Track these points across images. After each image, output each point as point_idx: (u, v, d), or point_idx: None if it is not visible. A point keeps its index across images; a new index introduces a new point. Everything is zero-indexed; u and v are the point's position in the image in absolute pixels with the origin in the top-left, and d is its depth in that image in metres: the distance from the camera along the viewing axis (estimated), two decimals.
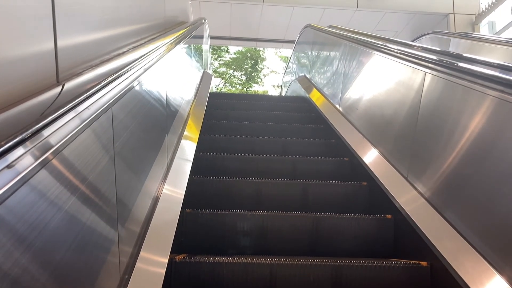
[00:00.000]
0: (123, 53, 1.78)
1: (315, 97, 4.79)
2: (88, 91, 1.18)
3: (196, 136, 3.17)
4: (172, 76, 2.72)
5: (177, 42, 2.93)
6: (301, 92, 5.51)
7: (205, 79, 5.21)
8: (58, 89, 1.17)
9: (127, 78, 1.49)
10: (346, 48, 3.93)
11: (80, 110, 1.03)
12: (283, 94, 8.39)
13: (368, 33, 3.47)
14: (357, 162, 2.95)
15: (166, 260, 1.67)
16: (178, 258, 1.83)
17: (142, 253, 1.54)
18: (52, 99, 1.12)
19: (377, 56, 3.04)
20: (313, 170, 3.15)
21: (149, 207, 1.78)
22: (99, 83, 1.26)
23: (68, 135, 0.97)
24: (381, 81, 2.97)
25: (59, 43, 1.17)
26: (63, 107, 0.94)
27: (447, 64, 1.96)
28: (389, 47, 2.73)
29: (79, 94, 1.05)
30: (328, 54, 4.88)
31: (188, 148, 2.82)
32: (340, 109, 3.82)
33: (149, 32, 2.55)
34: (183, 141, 2.77)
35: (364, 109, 3.22)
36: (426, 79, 2.20)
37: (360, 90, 3.45)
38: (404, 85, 2.51)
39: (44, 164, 0.85)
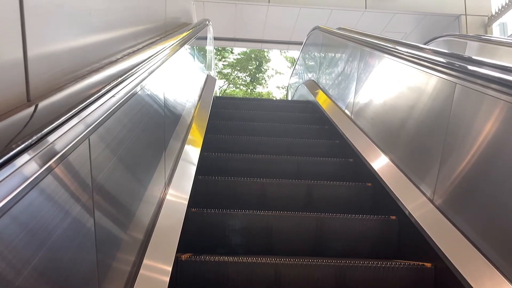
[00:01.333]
0: (116, 61, 1.57)
1: (321, 99, 4.77)
2: (70, 111, 0.96)
3: (200, 140, 3.13)
4: (174, 81, 2.53)
5: (181, 44, 2.75)
6: (309, 97, 5.40)
7: (209, 82, 5.00)
8: (29, 110, 0.95)
9: (119, 92, 1.27)
10: (360, 53, 3.69)
11: (49, 142, 0.81)
12: (289, 97, 8.19)
13: (392, 38, 3.16)
14: (365, 167, 2.84)
15: (170, 268, 1.61)
16: (184, 257, 1.84)
17: (145, 261, 1.50)
18: (21, 124, 0.90)
19: (403, 66, 2.73)
20: None
21: (152, 214, 1.72)
22: (89, 97, 1.05)
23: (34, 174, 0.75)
24: (404, 89, 2.72)
25: (29, 52, 0.95)
26: (24, 142, 0.72)
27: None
28: (415, 54, 2.45)
29: (51, 121, 0.82)
30: (339, 57, 4.67)
31: (192, 152, 2.79)
32: (352, 116, 3.59)
33: (148, 35, 2.33)
34: (186, 146, 2.73)
35: (387, 118, 2.98)
36: (456, 91, 1.96)
37: (377, 98, 3.21)
38: (431, 96, 2.27)
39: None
